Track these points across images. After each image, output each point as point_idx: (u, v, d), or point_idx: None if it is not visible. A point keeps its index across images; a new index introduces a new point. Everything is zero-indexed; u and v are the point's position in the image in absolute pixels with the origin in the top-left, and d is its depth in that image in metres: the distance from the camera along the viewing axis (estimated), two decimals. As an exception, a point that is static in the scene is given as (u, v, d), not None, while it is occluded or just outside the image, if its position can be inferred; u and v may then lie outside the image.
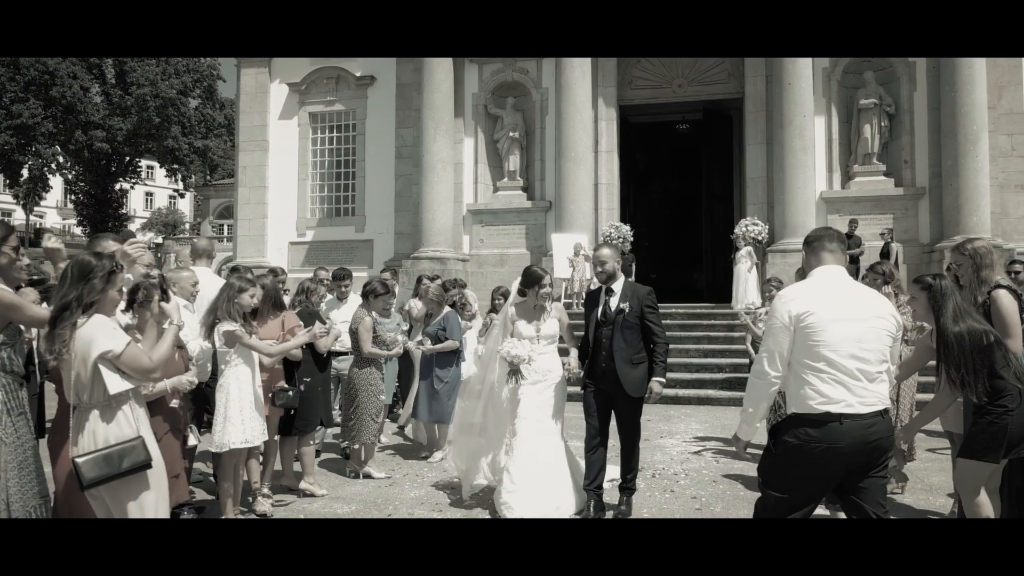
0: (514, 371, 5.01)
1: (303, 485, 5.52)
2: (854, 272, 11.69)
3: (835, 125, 14.28)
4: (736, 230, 13.97)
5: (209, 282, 5.41)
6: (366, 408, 6.01)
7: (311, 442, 5.70)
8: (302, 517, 5.03)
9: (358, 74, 16.78)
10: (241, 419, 4.55)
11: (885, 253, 12.84)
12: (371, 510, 5.24)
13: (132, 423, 3.02)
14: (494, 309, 7.94)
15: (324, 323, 6.16)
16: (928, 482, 5.87)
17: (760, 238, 13.70)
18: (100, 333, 2.94)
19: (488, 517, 5.01)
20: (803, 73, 13.62)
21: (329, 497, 5.50)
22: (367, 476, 6.04)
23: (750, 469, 6.44)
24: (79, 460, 2.93)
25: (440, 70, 15.09)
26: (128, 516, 3.01)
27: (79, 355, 2.92)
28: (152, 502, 3.06)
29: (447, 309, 7.06)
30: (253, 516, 4.95)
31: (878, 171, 14.03)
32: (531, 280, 5.14)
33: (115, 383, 2.95)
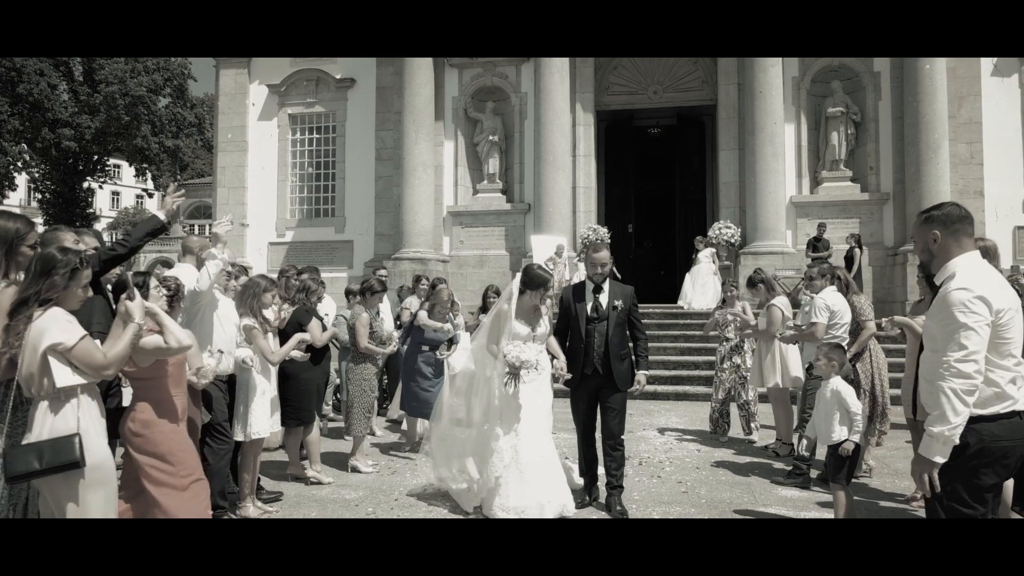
0: (514, 374, 4.93)
1: (311, 473, 5.74)
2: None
3: (804, 132, 14.81)
4: (709, 233, 14.47)
5: (192, 280, 5.53)
6: (358, 403, 6.23)
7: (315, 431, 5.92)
8: (315, 503, 5.27)
9: (338, 76, 16.93)
10: (265, 409, 4.77)
11: (849, 258, 13.38)
12: (377, 495, 5.50)
13: (74, 419, 2.90)
14: (486, 308, 8.18)
15: (321, 320, 6.39)
16: (893, 467, 6.29)
17: (733, 241, 14.20)
18: (53, 325, 2.88)
19: (492, 517, 5.00)
20: (774, 82, 14.14)
21: (336, 484, 5.74)
22: (354, 470, 6.14)
23: (730, 456, 6.84)
24: (9, 451, 2.86)
25: (421, 74, 15.35)
26: (66, 515, 2.91)
27: (30, 345, 2.86)
28: (95, 503, 2.93)
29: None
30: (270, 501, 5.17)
31: (845, 177, 14.59)
32: (537, 282, 5.13)
33: (64, 376, 2.86)
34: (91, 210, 40.96)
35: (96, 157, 39.12)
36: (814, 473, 5.64)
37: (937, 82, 13.55)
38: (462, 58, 15.74)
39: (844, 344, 5.83)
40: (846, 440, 4.50)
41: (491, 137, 15.83)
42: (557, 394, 5.47)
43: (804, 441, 5.13)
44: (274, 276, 6.24)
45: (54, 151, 36.23)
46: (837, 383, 4.63)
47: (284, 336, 5.70)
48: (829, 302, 5.84)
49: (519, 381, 4.95)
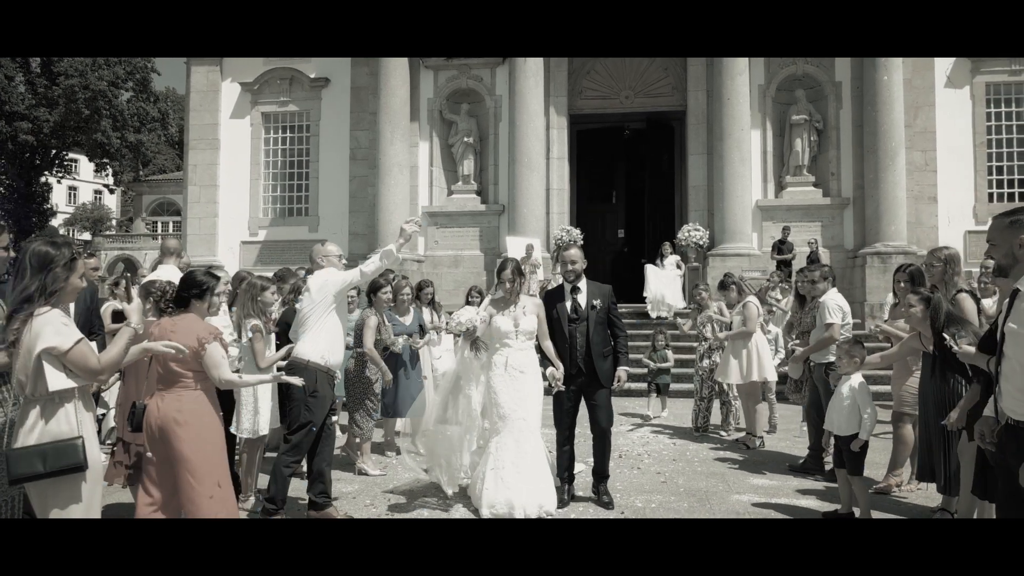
0: (474, 343, 5.09)
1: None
2: (788, 275, 12.70)
3: (769, 138, 15.34)
4: (679, 235, 14.89)
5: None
6: (362, 405, 6.38)
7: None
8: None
9: (312, 76, 16.98)
10: (269, 407, 4.95)
11: (812, 259, 13.89)
12: (372, 488, 5.73)
13: (73, 422, 2.91)
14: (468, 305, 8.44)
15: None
16: (858, 459, 6.69)
17: (701, 243, 14.65)
18: (48, 328, 2.87)
19: (477, 516, 5.02)
20: (741, 89, 14.64)
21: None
22: (362, 472, 6.26)
23: (704, 449, 7.20)
24: (11, 453, 2.87)
25: (396, 75, 15.50)
26: (49, 515, 2.93)
27: (26, 347, 2.86)
28: (80, 507, 2.94)
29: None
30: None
31: (808, 182, 15.15)
32: (498, 270, 5.27)
33: (57, 380, 2.87)
34: (48, 205, 40.11)
35: (54, 151, 38.30)
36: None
37: (894, 93, 14.17)
38: (437, 60, 15.93)
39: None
40: (857, 435, 4.75)
41: (466, 139, 16.05)
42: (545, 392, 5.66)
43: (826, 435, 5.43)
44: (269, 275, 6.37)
45: (10, 144, 35.43)
46: (856, 380, 4.86)
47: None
48: (840, 302, 6.14)
49: (483, 346, 5.19)
